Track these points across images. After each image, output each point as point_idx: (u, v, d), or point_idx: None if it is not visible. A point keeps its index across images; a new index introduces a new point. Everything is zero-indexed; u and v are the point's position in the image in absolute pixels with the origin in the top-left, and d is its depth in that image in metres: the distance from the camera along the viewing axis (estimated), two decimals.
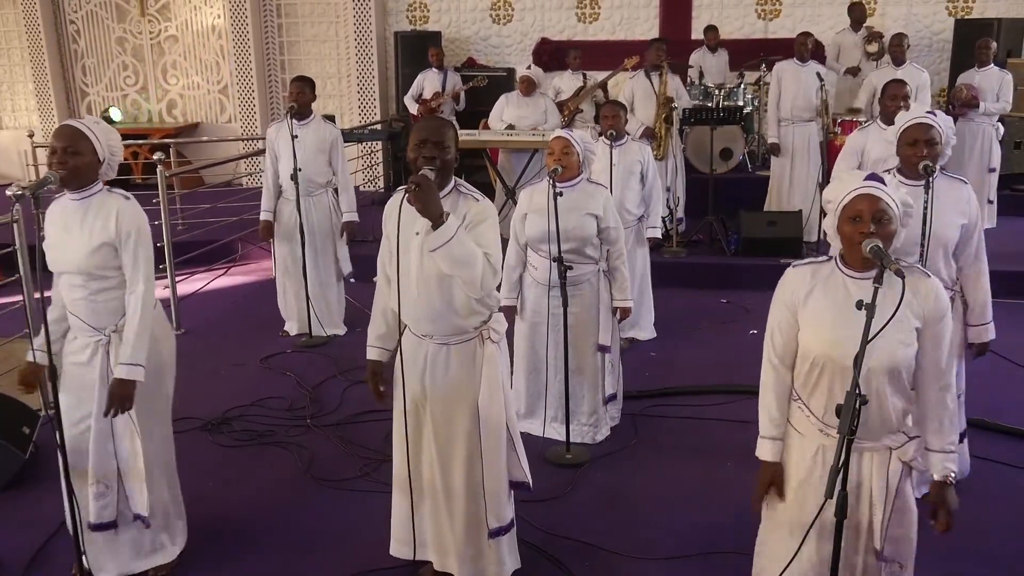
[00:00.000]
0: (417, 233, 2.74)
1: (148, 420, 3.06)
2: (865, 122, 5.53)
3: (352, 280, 5.90)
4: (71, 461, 3.03)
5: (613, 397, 4.32)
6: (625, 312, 4.20)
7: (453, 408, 2.89)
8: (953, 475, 2.37)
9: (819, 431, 2.40)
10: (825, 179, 6.75)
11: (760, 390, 2.52)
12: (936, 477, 2.38)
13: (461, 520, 2.95)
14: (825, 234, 2.41)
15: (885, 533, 2.40)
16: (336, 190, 5.68)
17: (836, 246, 2.37)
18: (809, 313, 2.36)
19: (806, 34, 7.35)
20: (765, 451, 2.51)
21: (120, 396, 2.89)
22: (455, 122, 8.45)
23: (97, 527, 3.09)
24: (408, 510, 2.99)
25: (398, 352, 2.96)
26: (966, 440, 3.68)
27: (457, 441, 2.90)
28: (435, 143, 2.70)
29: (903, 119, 3.26)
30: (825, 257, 2.44)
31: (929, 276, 2.31)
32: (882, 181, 2.28)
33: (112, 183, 3.07)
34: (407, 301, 2.83)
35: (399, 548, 3.12)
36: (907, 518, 2.44)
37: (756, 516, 2.69)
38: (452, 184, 2.80)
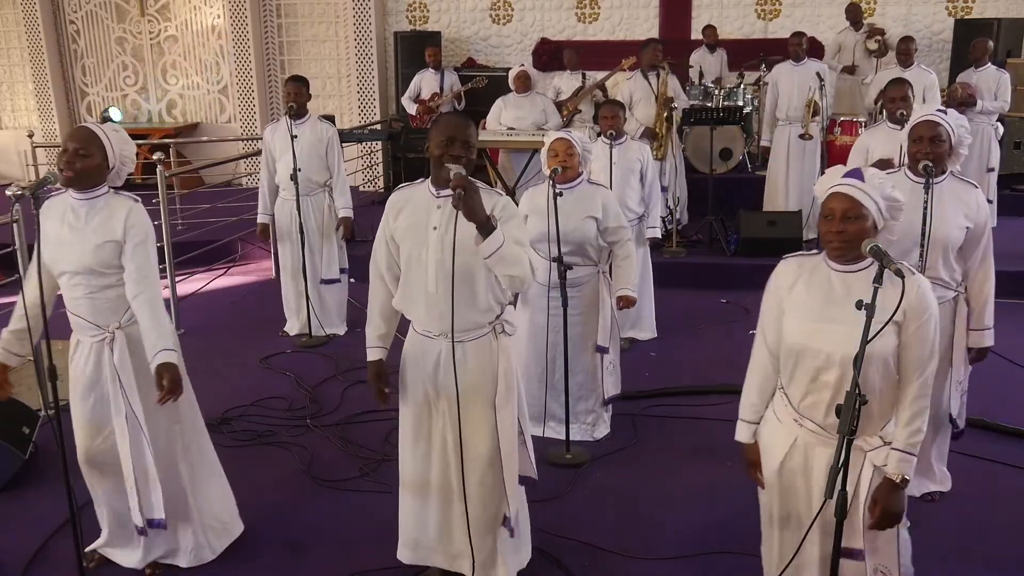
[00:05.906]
0: (435, 228, 2.71)
1: (153, 421, 3.02)
2: (866, 122, 5.52)
3: (351, 280, 5.89)
4: (97, 466, 3.04)
5: (612, 400, 4.30)
6: (627, 301, 4.06)
7: (470, 406, 2.82)
8: (906, 478, 2.28)
9: (794, 420, 2.42)
10: None
11: (747, 373, 2.59)
12: (888, 474, 2.30)
13: (476, 519, 2.89)
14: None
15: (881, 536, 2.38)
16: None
17: None
18: (791, 303, 2.40)
19: (799, 34, 7.36)
20: (740, 433, 2.60)
21: (170, 380, 2.82)
22: None
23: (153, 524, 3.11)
24: (419, 513, 2.97)
25: (402, 353, 2.92)
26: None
27: (475, 439, 2.84)
28: (463, 142, 2.65)
29: (914, 117, 3.24)
30: (816, 251, 2.46)
31: (912, 274, 2.27)
32: (861, 178, 2.28)
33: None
34: (420, 299, 2.77)
35: (408, 554, 3.06)
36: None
37: (756, 516, 2.69)
38: None
